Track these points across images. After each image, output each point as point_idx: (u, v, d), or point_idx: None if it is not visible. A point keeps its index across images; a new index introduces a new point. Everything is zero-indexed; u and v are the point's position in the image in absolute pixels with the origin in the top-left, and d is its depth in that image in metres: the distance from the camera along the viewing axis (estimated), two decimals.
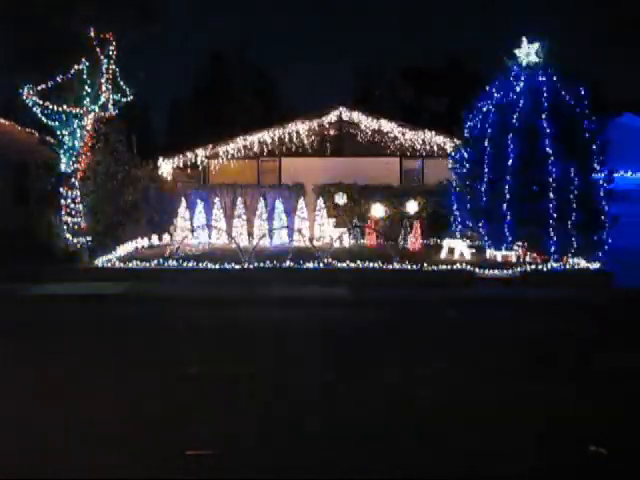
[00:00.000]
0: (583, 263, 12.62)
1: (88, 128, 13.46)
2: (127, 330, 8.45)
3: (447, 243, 14.39)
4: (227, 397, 5.52)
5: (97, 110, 13.49)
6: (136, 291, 11.18)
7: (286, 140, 20.08)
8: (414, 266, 12.20)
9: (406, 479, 4.01)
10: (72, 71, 12.92)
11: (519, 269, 12.20)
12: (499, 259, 13.47)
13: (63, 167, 13.22)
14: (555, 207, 12.33)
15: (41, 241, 13.25)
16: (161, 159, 19.48)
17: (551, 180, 12.34)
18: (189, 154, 20.01)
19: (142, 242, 15.77)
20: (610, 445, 4.40)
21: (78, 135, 13.24)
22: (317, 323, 8.96)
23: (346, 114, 20.25)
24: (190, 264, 12.45)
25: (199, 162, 20.20)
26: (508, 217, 12.63)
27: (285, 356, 7.02)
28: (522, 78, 13.20)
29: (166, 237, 17.10)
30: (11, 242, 13.62)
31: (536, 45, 13.33)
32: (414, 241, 16.29)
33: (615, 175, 13.34)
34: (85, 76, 13.05)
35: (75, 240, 12.99)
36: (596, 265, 12.43)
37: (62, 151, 13.22)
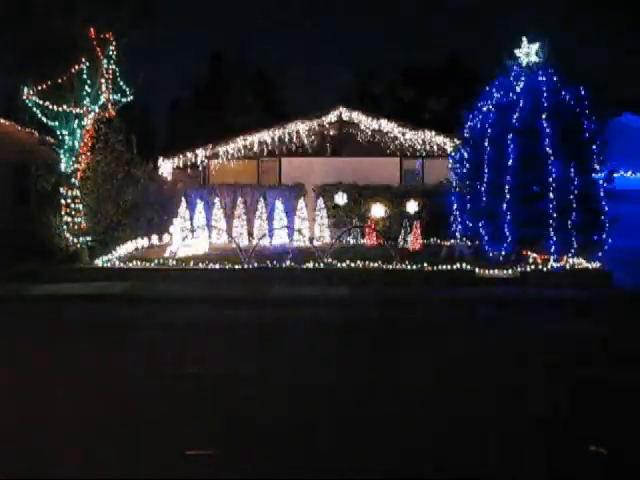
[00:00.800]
0: (583, 263, 12.62)
1: (88, 128, 13.45)
2: (127, 330, 8.45)
3: (447, 243, 14.38)
4: (227, 397, 5.52)
5: (97, 110, 13.48)
6: (136, 291, 11.18)
7: (286, 140, 20.06)
8: (414, 266, 12.20)
9: (407, 479, 4.00)
10: (72, 71, 12.92)
11: (519, 269, 12.19)
12: (499, 259, 13.46)
13: (63, 167, 13.21)
14: (555, 207, 12.32)
15: (41, 241, 13.25)
16: (161, 159, 19.47)
17: (551, 180, 12.34)
18: (189, 154, 19.99)
19: (142, 242, 15.76)
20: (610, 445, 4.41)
21: (78, 135, 13.24)
22: (317, 323, 8.96)
23: (346, 114, 20.23)
24: (190, 264, 12.45)
25: (199, 162, 20.19)
26: (508, 217, 12.61)
27: (285, 356, 7.02)
28: (522, 78, 13.19)
29: (166, 237, 17.09)
30: (11, 242, 13.62)
31: (536, 45, 13.33)
32: (414, 241, 16.28)
33: (615, 175, 13.34)
34: (85, 76, 13.04)
35: (75, 240, 12.99)
36: (596, 265, 12.43)
37: (62, 151, 13.21)
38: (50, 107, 12.84)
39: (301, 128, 20.11)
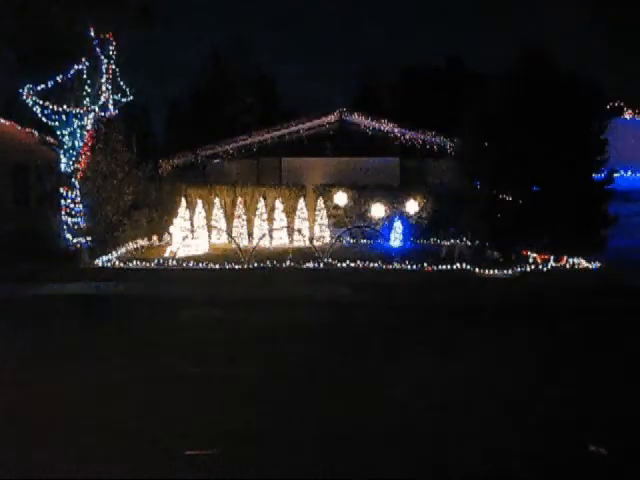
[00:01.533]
0: (583, 263, 12.62)
1: (88, 128, 13.46)
2: (127, 330, 8.45)
3: (447, 243, 14.39)
4: (227, 397, 5.52)
5: (97, 110, 13.50)
6: (136, 291, 11.17)
7: (286, 140, 20.09)
8: (414, 266, 12.20)
9: (407, 479, 4.01)
10: (72, 71, 12.93)
11: (519, 269, 12.20)
12: (499, 259, 13.47)
13: (63, 167, 13.23)
14: (555, 207, 12.34)
15: (41, 241, 13.25)
16: (161, 159, 19.49)
17: (551, 180, 12.35)
18: (189, 154, 20.01)
19: (142, 242, 15.77)
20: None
21: (78, 135, 13.25)
22: (317, 323, 8.95)
23: (346, 114, 20.25)
24: (190, 264, 12.45)
25: (199, 162, 20.20)
26: (508, 217, 12.63)
27: (285, 356, 7.01)
28: (522, 77, 13.20)
29: (166, 237, 17.10)
30: (11, 242, 13.62)
31: (536, 45, 13.34)
32: (414, 241, 16.29)
33: (615, 175, 13.35)
34: (85, 76, 13.06)
35: (75, 240, 12.99)
36: (596, 265, 12.44)
37: (62, 151, 13.22)
38: (50, 107, 12.85)
39: (301, 128, 20.12)
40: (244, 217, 18.22)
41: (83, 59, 12.97)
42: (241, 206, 18.35)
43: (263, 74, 38.42)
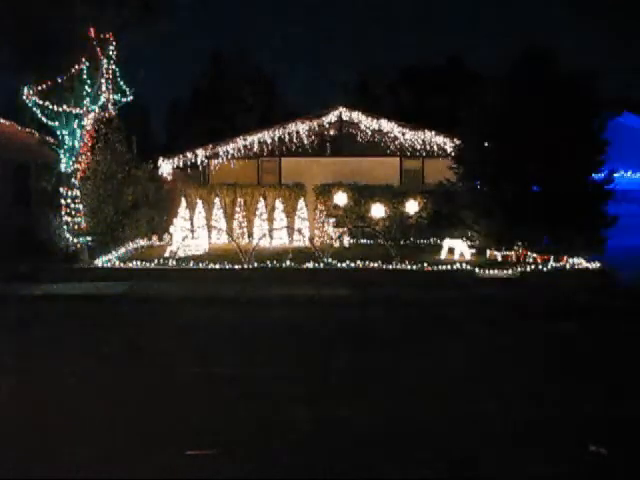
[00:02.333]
0: (583, 263, 12.62)
1: (88, 128, 13.45)
2: (127, 330, 8.45)
3: (447, 243, 14.38)
4: (227, 397, 5.51)
5: (97, 110, 13.48)
6: (136, 291, 11.17)
7: (286, 140, 20.05)
8: (414, 266, 12.20)
9: (406, 479, 4.01)
10: (72, 71, 12.91)
11: (519, 269, 12.19)
12: (499, 259, 13.48)
13: (63, 167, 13.21)
14: (555, 207, 12.33)
15: (41, 241, 13.24)
16: (161, 159, 19.46)
17: (551, 180, 12.35)
18: (189, 154, 19.98)
19: (142, 242, 15.77)
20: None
21: (78, 135, 13.24)
22: (317, 323, 8.96)
23: (346, 114, 20.22)
24: (190, 264, 12.45)
25: (199, 162, 20.18)
26: (508, 217, 12.63)
27: (284, 356, 7.01)
28: (522, 77, 13.20)
29: (166, 237, 17.09)
30: (11, 242, 13.62)
31: (536, 45, 13.35)
32: (413, 241, 16.29)
33: (615, 175, 13.35)
34: (85, 76, 13.04)
35: (75, 240, 12.98)
36: (596, 265, 12.43)
37: (62, 151, 13.21)
38: (50, 107, 12.84)
39: (301, 128, 20.10)
40: (244, 217, 18.21)
41: (83, 59, 12.95)
42: (241, 206, 18.34)
43: (263, 74, 38.40)
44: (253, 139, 20.08)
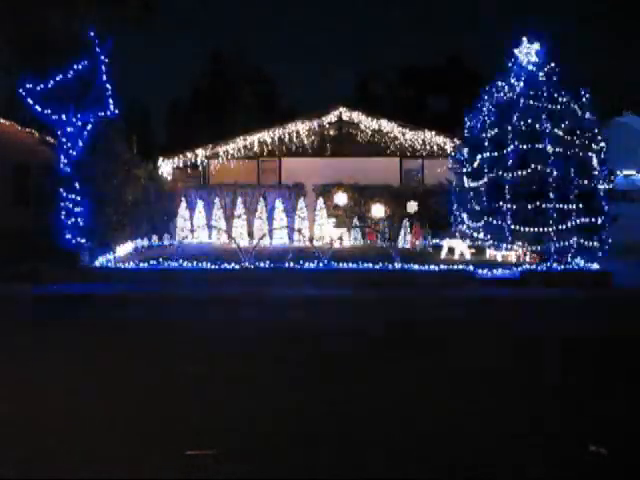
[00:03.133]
0: (583, 263, 12.62)
1: (88, 128, 13.44)
2: (126, 330, 8.44)
3: (447, 243, 14.38)
4: (227, 397, 5.51)
5: (97, 110, 13.47)
6: (136, 291, 11.18)
7: (286, 140, 20.07)
8: (414, 266, 12.20)
9: (405, 479, 4.00)
10: (72, 71, 12.91)
11: (519, 269, 12.19)
12: (499, 259, 13.48)
13: (63, 167, 13.20)
14: (555, 207, 12.33)
15: (41, 241, 13.24)
16: (161, 159, 19.48)
17: (551, 180, 12.35)
18: (189, 154, 20.00)
19: (142, 242, 15.77)
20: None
21: (78, 135, 13.22)
22: (317, 323, 8.96)
23: (346, 114, 20.23)
24: (190, 264, 12.45)
25: (199, 162, 20.20)
26: (508, 217, 12.63)
27: (284, 356, 7.01)
28: (522, 78, 13.21)
29: (166, 237, 17.10)
30: (11, 242, 13.61)
31: (536, 45, 13.34)
32: (414, 241, 16.29)
33: (615, 175, 13.35)
34: (85, 76, 13.03)
35: (75, 240, 12.98)
36: (596, 265, 12.43)
37: (62, 151, 13.20)
38: (50, 107, 12.83)
39: (301, 128, 20.11)
40: (244, 217, 18.22)
41: (83, 59, 12.95)
42: (241, 206, 18.35)
43: (263, 74, 38.44)
44: (253, 139, 20.10)
